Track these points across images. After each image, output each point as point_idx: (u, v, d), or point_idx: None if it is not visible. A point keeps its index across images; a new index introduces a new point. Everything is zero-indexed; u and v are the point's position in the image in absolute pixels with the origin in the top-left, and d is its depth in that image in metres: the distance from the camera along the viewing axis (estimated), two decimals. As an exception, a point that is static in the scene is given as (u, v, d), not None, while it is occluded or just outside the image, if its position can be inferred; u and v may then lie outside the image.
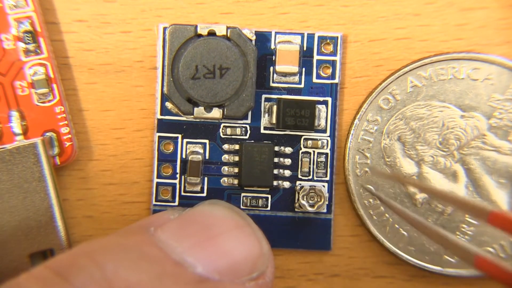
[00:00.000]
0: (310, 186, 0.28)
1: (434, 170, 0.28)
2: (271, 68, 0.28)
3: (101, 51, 0.29)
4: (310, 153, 0.28)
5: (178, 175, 0.28)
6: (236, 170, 0.28)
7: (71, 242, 0.27)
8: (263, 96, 0.28)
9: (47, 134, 0.28)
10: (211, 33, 0.27)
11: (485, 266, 0.21)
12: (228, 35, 0.27)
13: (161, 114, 0.28)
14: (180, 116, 0.28)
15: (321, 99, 0.28)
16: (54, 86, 0.28)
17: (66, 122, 0.28)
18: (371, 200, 0.28)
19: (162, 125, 0.28)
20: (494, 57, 0.28)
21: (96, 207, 0.29)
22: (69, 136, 0.28)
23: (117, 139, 0.29)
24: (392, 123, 0.28)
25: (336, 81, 0.28)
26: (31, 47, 0.27)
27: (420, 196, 0.28)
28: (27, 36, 0.27)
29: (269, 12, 0.29)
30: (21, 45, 0.27)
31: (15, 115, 0.27)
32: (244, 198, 0.28)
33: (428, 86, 0.28)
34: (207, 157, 0.28)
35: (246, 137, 0.28)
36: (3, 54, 0.27)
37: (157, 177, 0.28)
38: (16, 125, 0.27)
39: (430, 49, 0.29)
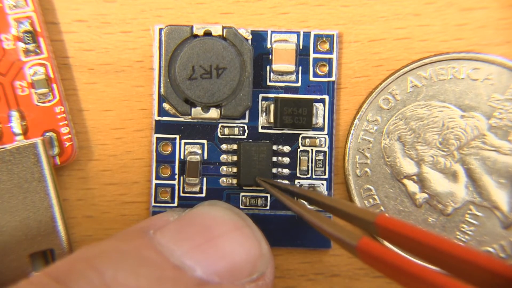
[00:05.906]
0: (309, 184, 0.28)
1: (434, 170, 0.28)
2: (268, 67, 0.28)
3: (101, 51, 0.29)
4: (308, 151, 0.28)
5: (176, 176, 0.28)
6: (235, 170, 0.28)
7: (71, 242, 0.27)
8: (260, 95, 0.28)
9: (47, 134, 0.28)
10: (207, 33, 0.27)
11: (370, 251, 0.19)
12: (224, 35, 0.27)
13: (159, 115, 0.28)
14: (178, 117, 0.28)
15: (318, 97, 0.28)
16: (54, 86, 0.28)
17: (66, 122, 0.28)
18: (371, 200, 0.28)
19: (160, 126, 0.28)
20: (494, 57, 0.28)
21: (96, 207, 0.29)
22: (69, 136, 0.28)
23: (117, 139, 0.29)
24: (392, 123, 0.28)
25: (333, 79, 0.28)
26: (31, 47, 0.27)
27: (420, 196, 0.28)
28: (27, 36, 0.27)
29: (269, 12, 0.29)
30: (21, 45, 0.27)
31: (15, 115, 0.27)
32: (243, 197, 0.28)
33: (428, 86, 0.28)
34: (205, 158, 0.28)
35: (244, 136, 0.28)
36: (3, 54, 0.27)
37: (156, 178, 0.28)
38: (16, 125, 0.27)
39: (430, 49, 0.28)
